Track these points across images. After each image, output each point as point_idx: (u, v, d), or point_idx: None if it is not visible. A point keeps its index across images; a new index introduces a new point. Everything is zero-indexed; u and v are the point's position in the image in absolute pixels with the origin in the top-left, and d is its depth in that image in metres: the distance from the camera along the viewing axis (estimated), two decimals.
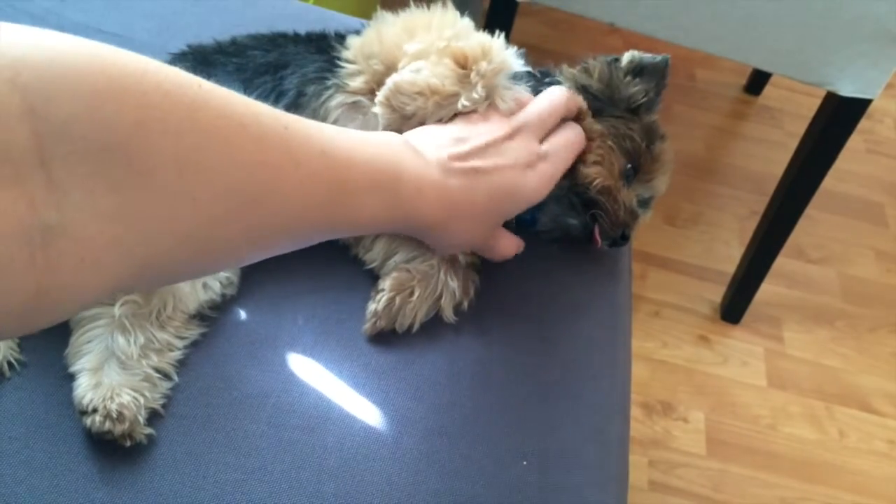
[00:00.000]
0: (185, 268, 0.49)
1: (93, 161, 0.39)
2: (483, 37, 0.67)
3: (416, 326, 0.69)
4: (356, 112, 0.69)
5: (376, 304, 0.68)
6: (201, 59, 0.72)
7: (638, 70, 0.73)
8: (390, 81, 0.64)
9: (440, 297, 0.69)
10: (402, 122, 0.65)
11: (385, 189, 0.55)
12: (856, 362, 1.59)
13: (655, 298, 1.61)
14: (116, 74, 0.40)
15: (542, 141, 0.65)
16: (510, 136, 0.62)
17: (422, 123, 0.65)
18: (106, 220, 0.39)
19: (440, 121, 0.64)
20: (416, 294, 0.69)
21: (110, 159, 0.39)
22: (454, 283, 0.69)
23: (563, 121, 0.68)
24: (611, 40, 2.06)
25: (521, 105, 0.66)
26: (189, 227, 0.44)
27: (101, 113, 0.39)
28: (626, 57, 0.74)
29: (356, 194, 0.53)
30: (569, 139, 0.67)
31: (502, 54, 0.66)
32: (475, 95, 0.63)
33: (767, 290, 1.60)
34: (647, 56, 0.74)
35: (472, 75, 0.64)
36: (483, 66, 0.64)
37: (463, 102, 0.63)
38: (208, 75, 0.70)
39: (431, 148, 0.60)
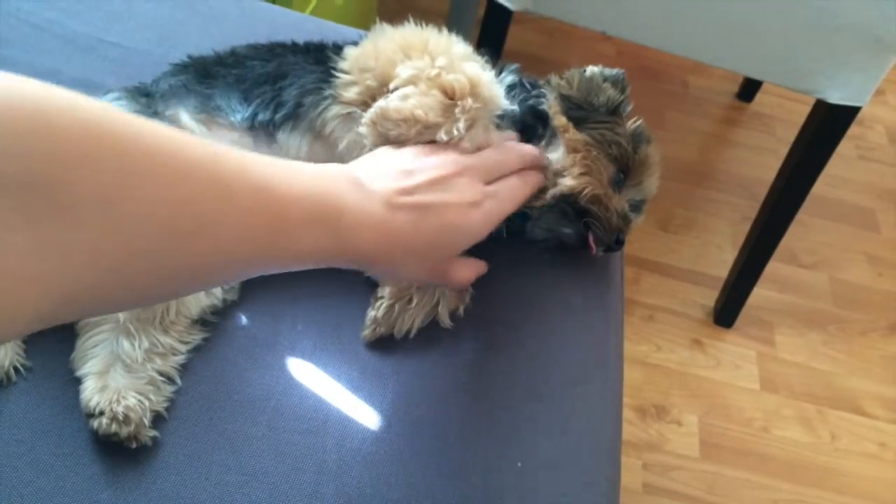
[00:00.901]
0: (115, 302, 0.48)
1: (12, 196, 0.38)
2: (475, 69, 0.67)
3: (414, 332, 0.70)
4: (351, 123, 0.71)
5: (376, 311, 0.70)
6: (202, 71, 0.74)
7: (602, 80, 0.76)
8: (377, 106, 0.66)
9: (437, 304, 0.71)
10: (386, 143, 0.67)
11: (325, 223, 0.54)
12: (847, 366, 1.61)
13: (649, 303, 1.63)
14: (40, 110, 0.39)
15: (489, 183, 0.65)
16: (458, 174, 0.62)
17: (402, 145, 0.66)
18: (25, 256, 0.39)
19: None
20: (415, 301, 0.70)
21: (30, 194, 0.39)
22: (449, 292, 0.71)
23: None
24: (604, 48, 2.08)
25: (483, 146, 0.66)
26: (115, 262, 0.43)
27: (21, 148, 0.38)
28: (588, 71, 0.76)
29: (294, 228, 0.52)
30: (517, 184, 0.67)
31: (490, 91, 0.67)
32: (455, 131, 0.65)
33: (760, 294, 1.62)
34: (607, 70, 0.76)
35: (457, 110, 0.65)
36: (468, 102, 0.65)
37: (441, 136, 0.65)
38: (209, 86, 0.72)
39: (378, 180, 0.59)
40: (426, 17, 0.76)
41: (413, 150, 0.63)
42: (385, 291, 0.71)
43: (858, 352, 1.64)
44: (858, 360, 1.63)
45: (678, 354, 1.56)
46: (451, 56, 0.68)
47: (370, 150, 0.66)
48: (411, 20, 0.73)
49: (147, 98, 0.71)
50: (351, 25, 1.20)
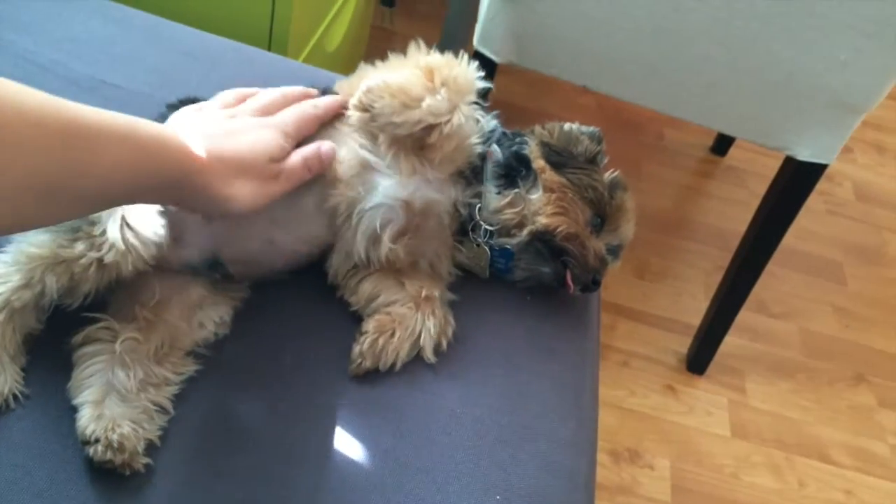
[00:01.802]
0: None
1: None
2: (450, 57, 0.74)
3: (399, 365, 0.73)
4: (330, 130, 0.75)
5: (360, 346, 0.73)
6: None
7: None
8: (363, 84, 0.71)
9: (419, 336, 0.74)
10: (371, 123, 0.71)
11: (130, 139, 0.57)
12: (815, 414, 1.65)
13: (624, 348, 1.67)
14: None
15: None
16: (242, 117, 0.71)
17: (388, 126, 0.71)
18: None
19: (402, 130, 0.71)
20: (397, 335, 0.73)
21: None
22: (431, 323, 0.74)
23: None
24: (584, 100, 2.14)
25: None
26: None
27: None
28: (567, 126, 0.81)
29: (92, 140, 0.54)
30: (296, 108, 0.74)
31: (465, 70, 0.73)
32: (438, 98, 0.70)
33: (731, 342, 1.66)
34: (584, 127, 0.82)
35: (437, 82, 0.70)
36: (445, 71, 0.70)
37: (427, 103, 0.70)
38: None
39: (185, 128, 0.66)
40: None
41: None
42: (369, 326, 0.74)
43: (826, 401, 1.69)
44: (826, 409, 1.67)
45: (652, 400, 1.60)
46: (430, 57, 0.74)
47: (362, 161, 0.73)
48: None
49: None
50: (341, 72, 1.26)
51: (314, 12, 1.26)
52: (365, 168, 0.73)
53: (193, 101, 0.79)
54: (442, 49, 0.77)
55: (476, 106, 0.75)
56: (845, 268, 1.97)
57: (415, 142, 0.72)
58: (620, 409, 1.56)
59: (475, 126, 0.75)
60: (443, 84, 0.70)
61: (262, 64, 1.00)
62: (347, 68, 1.55)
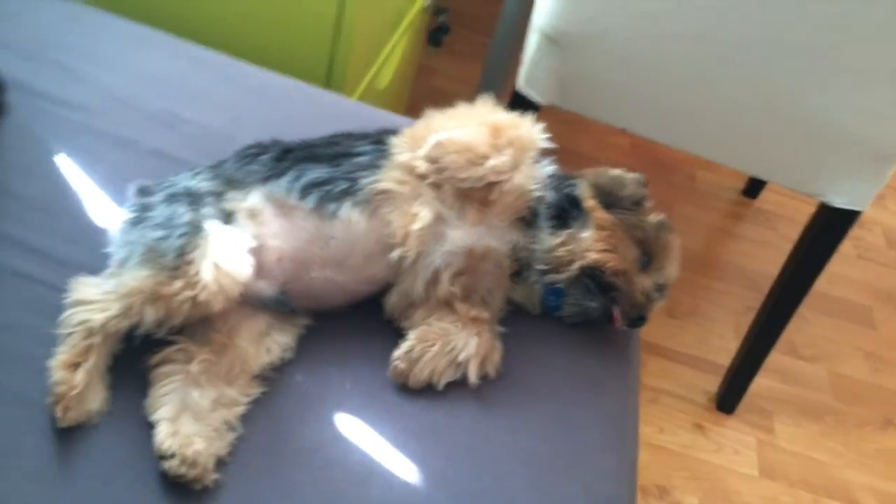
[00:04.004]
0: None
1: None
2: (516, 116, 0.80)
3: (438, 381, 0.76)
4: (398, 201, 0.79)
5: (399, 350, 0.77)
6: (275, 157, 0.81)
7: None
8: (432, 138, 0.76)
9: (458, 354, 0.77)
10: (438, 175, 0.76)
11: None
12: (843, 457, 1.66)
13: (654, 385, 1.69)
14: None
15: None
16: None
17: (454, 180, 0.75)
18: None
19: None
20: (436, 347, 0.77)
21: None
22: (473, 343, 0.78)
23: None
24: (618, 140, 2.18)
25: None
26: None
27: None
28: (613, 171, 0.87)
29: None
30: None
31: (531, 129, 0.79)
32: (503, 159, 0.74)
33: (761, 383, 1.68)
34: (629, 173, 0.87)
35: (502, 141, 0.75)
36: (511, 133, 0.75)
37: (491, 163, 0.74)
38: (280, 173, 0.80)
39: None
40: (453, 100, 0.86)
41: None
42: (411, 334, 0.78)
43: (854, 444, 1.69)
44: (854, 453, 1.68)
45: (680, 437, 1.62)
46: (495, 112, 0.80)
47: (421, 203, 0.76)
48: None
49: (226, 181, 0.79)
50: (389, 108, 1.31)
51: (369, 52, 1.32)
52: (437, 221, 0.77)
53: (273, 145, 0.83)
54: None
55: (537, 158, 0.80)
56: (875, 312, 1.99)
57: (479, 192, 0.77)
58: (650, 446, 1.58)
59: (535, 178, 0.79)
60: (508, 144, 0.75)
61: (323, 103, 1.05)
62: (396, 105, 1.62)
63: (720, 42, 1.21)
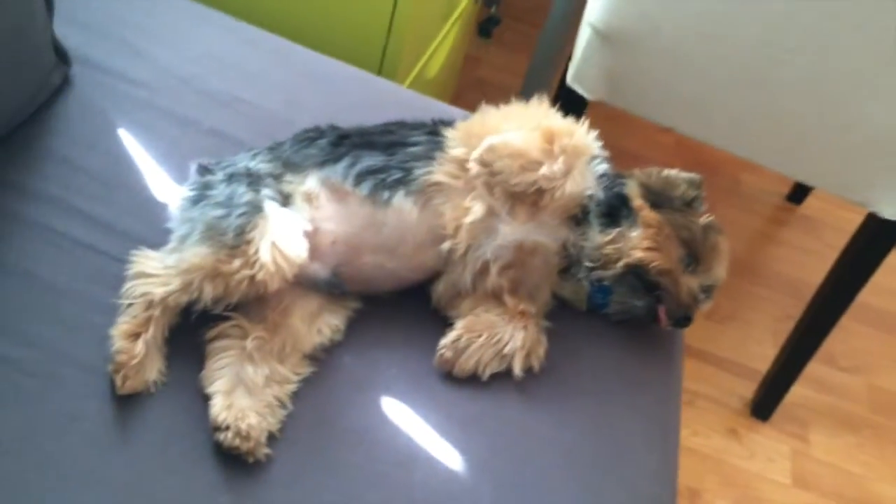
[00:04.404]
0: None
1: None
2: (571, 121, 0.80)
3: (483, 372, 0.77)
4: (451, 193, 0.79)
5: (446, 339, 0.78)
6: (332, 142, 0.83)
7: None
8: (486, 142, 0.77)
9: (504, 345, 0.78)
10: (490, 177, 0.76)
11: None
12: (878, 471, 1.64)
13: (690, 388, 1.68)
14: None
15: None
16: None
17: (506, 184, 0.76)
18: None
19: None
20: (483, 337, 0.78)
21: None
22: (520, 335, 0.78)
23: None
24: (663, 138, 2.17)
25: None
26: None
27: None
28: (666, 171, 0.86)
29: None
30: None
31: (585, 137, 0.79)
32: (555, 167, 0.75)
33: (797, 391, 1.67)
34: (684, 173, 0.86)
35: (556, 148, 0.75)
36: (566, 141, 0.75)
37: (543, 171, 0.74)
38: (337, 158, 0.81)
39: None
40: (499, 91, 0.86)
41: None
42: (458, 323, 0.79)
43: (890, 458, 1.67)
44: (889, 467, 1.66)
45: (714, 441, 1.61)
46: (549, 115, 0.79)
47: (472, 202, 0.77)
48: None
49: (284, 164, 0.81)
50: (438, 96, 1.32)
51: (421, 42, 1.33)
52: (489, 215, 0.78)
53: (330, 130, 0.85)
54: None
55: (589, 163, 0.80)
56: None
57: (531, 195, 0.77)
58: (683, 448, 1.57)
59: (587, 184, 0.79)
60: (562, 151, 0.75)
61: (376, 89, 1.06)
62: (443, 93, 1.63)
63: (775, 46, 1.20)
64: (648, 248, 0.80)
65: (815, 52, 1.18)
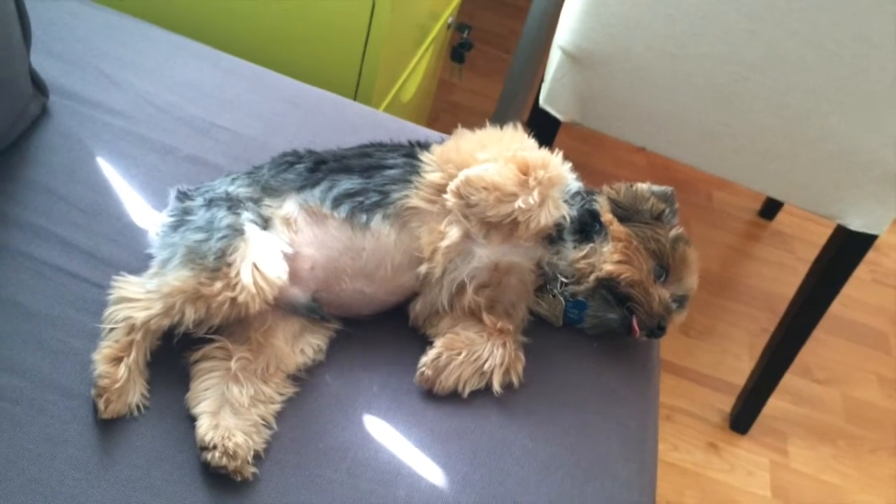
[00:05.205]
0: None
1: None
2: (545, 152, 0.81)
3: (463, 389, 0.79)
4: (427, 217, 0.81)
5: (426, 357, 0.79)
6: (309, 167, 0.84)
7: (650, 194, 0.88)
8: (462, 174, 0.78)
9: (484, 363, 0.79)
10: (467, 210, 0.78)
11: None
12: (856, 481, 1.67)
13: (668, 403, 1.70)
14: None
15: None
16: None
17: (482, 215, 0.77)
18: None
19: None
20: (462, 355, 0.79)
21: None
22: (499, 353, 0.80)
23: None
24: (636, 158, 2.21)
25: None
26: None
27: None
28: (636, 186, 0.88)
29: None
30: None
31: (559, 168, 0.80)
32: (531, 200, 0.77)
33: (774, 404, 1.69)
34: (656, 186, 0.89)
35: (531, 180, 0.77)
36: (541, 173, 0.77)
37: (518, 204, 0.76)
38: (314, 183, 0.82)
39: None
40: (473, 114, 0.88)
41: None
42: (438, 342, 0.80)
43: (867, 468, 1.70)
44: (867, 477, 1.68)
45: (694, 455, 1.62)
46: (524, 144, 0.81)
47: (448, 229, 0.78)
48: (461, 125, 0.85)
49: (263, 188, 0.82)
50: (413, 120, 1.34)
51: (396, 68, 1.35)
52: (465, 239, 0.80)
53: (307, 155, 0.86)
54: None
55: (563, 193, 0.82)
56: (890, 337, 1.99)
57: (506, 224, 0.79)
58: (663, 463, 1.59)
59: (561, 210, 0.81)
60: (537, 183, 0.77)
61: (353, 114, 1.08)
62: (419, 117, 1.65)
63: (742, 64, 1.23)
64: (618, 262, 0.82)
65: (778, 69, 1.21)
